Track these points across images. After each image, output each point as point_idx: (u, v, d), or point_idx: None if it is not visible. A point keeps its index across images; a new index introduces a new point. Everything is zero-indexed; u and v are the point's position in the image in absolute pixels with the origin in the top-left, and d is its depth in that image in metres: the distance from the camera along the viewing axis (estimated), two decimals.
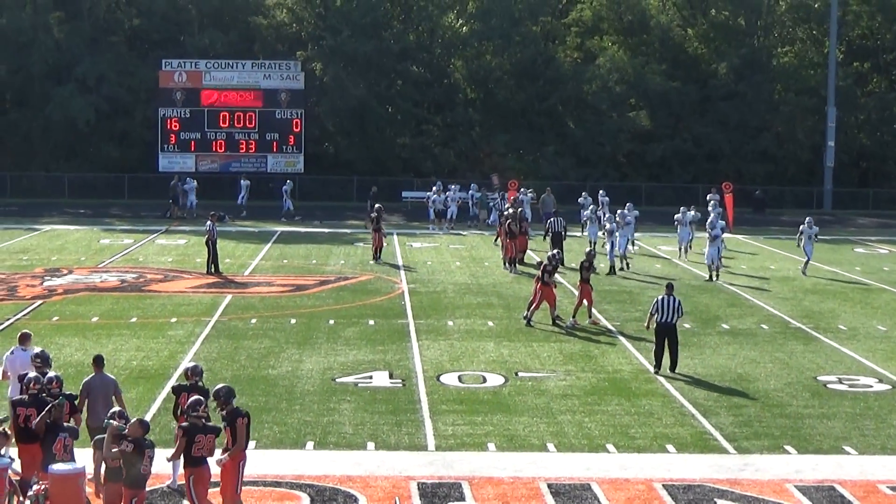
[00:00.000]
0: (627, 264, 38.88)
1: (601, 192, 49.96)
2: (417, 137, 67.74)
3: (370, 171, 64.00)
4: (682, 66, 69.12)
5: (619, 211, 40.65)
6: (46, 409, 15.10)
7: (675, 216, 42.76)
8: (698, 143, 66.89)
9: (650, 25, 69.86)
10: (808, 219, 39.36)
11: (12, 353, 18.40)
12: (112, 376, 17.54)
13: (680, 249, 42.43)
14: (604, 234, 39.65)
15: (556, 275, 30.30)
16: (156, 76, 62.10)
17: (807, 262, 38.75)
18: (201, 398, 15.07)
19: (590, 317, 29.26)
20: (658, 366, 23.97)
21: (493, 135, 66.64)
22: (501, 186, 54.21)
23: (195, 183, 55.85)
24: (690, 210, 42.72)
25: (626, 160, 67.88)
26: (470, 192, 54.74)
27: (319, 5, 68.21)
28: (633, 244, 43.02)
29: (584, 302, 29.21)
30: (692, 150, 66.84)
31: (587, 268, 29.46)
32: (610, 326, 29.03)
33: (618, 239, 38.58)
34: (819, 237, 40.41)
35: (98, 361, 17.33)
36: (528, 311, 29.16)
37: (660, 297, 24.18)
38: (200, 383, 16.63)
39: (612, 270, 37.97)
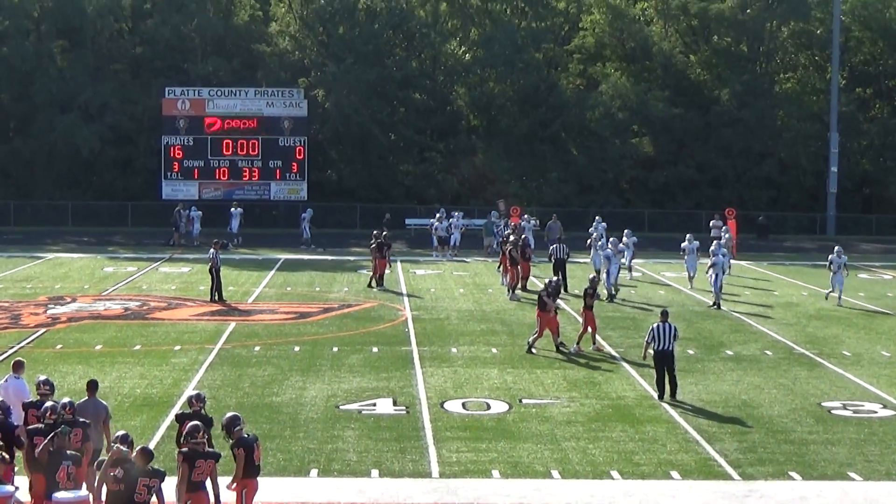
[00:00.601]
0: (617, 293, 38.48)
1: (597, 218, 49.80)
2: (420, 164, 67.81)
3: (373, 199, 64.11)
4: (684, 93, 69.16)
5: (611, 239, 40.36)
6: (49, 437, 15.06)
7: (682, 245, 42.18)
8: (701, 170, 66.88)
9: (653, 52, 69.91)
10: (836, 248, 38.59)
11: (6, 381, 18.34)
12: (104, 402, 17.52)
13: (690, 278, 41.76)
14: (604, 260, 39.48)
15: (560, 301, 30.25)
16: (159, 104, 62.20)
17: (840, 293, 38.09)
18: (199, 423, 15.09)
19: (593, 343, 29.25)
20: (661, 394, 23.95)
21: (496, 161, 66.60)
22: (505, 213, 54.17)
23: (200, 212, 55.94)
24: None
25: (629, 186, 67.91)
26: (490, 219, 54.45)
27: (322, 33, 68.41)
28: (631, 270, 42.89)
29: (588, 329, 29.18)
30: (695, 177, 66.81)
31: (591, 294, 29.45)
32: (614, 353, 29.00)
33: (612, 266, 38.36)
34: (820, 263, 39.89)
35: (91, 386, 17.33)
36: (531, 338, 29.12)
37: (655, 325, 24.17)
38: (203, 411, 16.64)
39: (610, 297, 37.74)
